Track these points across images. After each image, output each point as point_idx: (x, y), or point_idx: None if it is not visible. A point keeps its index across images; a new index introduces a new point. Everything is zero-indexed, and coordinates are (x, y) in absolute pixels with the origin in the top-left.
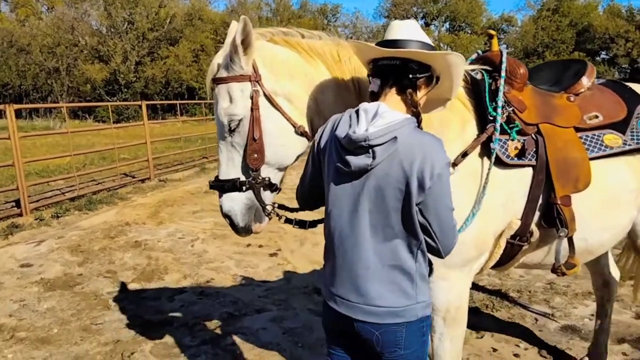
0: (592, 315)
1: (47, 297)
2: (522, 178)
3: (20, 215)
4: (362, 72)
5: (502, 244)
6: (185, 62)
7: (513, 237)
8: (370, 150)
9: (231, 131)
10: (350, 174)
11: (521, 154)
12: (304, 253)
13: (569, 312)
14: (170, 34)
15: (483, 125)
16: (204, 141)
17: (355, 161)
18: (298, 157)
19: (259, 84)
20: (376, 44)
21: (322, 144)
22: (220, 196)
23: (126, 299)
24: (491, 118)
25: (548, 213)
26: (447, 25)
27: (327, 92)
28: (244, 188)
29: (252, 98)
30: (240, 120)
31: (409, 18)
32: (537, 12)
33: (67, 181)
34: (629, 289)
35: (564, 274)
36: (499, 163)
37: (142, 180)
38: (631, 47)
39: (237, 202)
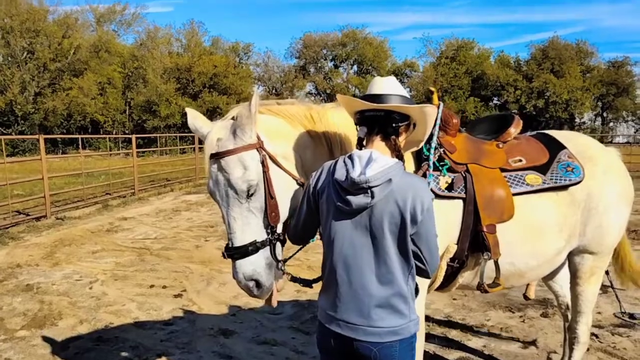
0: (485, 346)
1: None
2: (455, 208)
3: None
4: (330, 129)
5: (443, 266)
6: (90, 94)
7: (452, 260)
8: (369, 191)
9: (249, 197)
10: (351, 212)
11: (450, 187)
12: (211, 293)
13: (464, 345)
14: (74, 65)
15: (420, 163)
16: (107, 177)
17: (356, 200)
18: None
19: (264, 149)
20: (362, 97)
21: (319, 187)
22: (236, 262)
23: (14, 348)
24: (425, 157)
25: (475, 239)
26: (355, 67)
27: (307, 150)
28: (266, 244)
29: (262, 162)
30: (256, 184)
31: (319, 60)
32: (436, 59)
33: None
34: (517, 321)
35: (486, 292)
36: (435, 195)
37: (37, 219)
38: (520, 94)
39: (258, 264)
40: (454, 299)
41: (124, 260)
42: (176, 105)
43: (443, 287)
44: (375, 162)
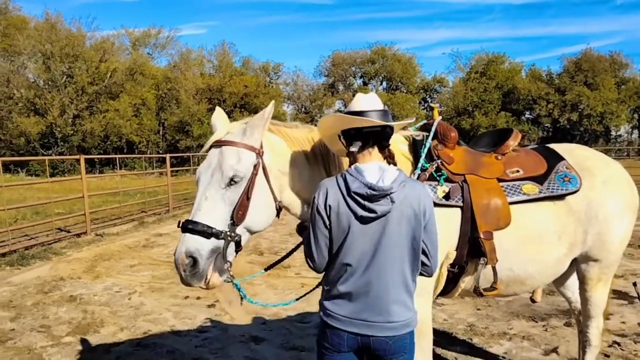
0: (506, 353)
1: None
2: (453, 217)
3: None
4: (326, 148)
5: (444, 272)
6: (125, 116)
7: (452, 266)
8: (389, 197)
9: (229, 185)
10: (374, 219)
11: (447, 196)
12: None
13: (486, 351)
14: (110, 88)
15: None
16: (142, 195)
17: (380, 208)
18: (264, 228)
19: (261, 157)
20: (348, 113)
21: (329, 202)
22: (185, 234)
23: (61, 352)
24: (423, 169)
25: (474, 245)
26: (384, 84)
27: (304, 170)
28: (220, 236)
29: (255, 166)
30: (240, 179)
31: (348, 77)
32: (466, 74)
33: None
34: (539, 329)
35: (482, 295)
36: (433, 204)
37: (78, 235)
38: (552, 108)
39: (204, 247)
40: (478, 309)
41: (160, 273)
42: (208, 125)
43: (446, 292)
44: (387, 172)
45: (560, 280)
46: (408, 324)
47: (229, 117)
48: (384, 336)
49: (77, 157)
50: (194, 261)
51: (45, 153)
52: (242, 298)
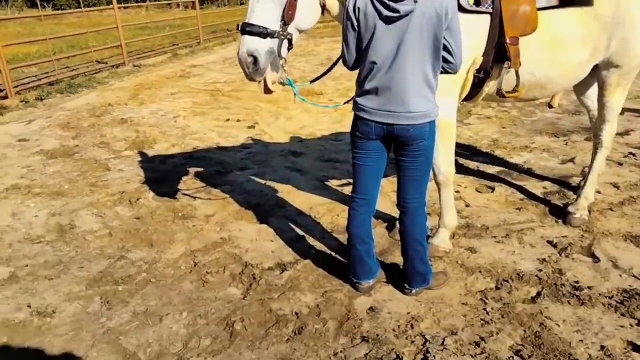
0: (525, 162)
1: (50, 163)
2: (482, 23)
3: (6, 97)
4: None
5: (470, 76)
6: None
7: (478, 71)
8: None
9: None
10: (397, 18)
11: (478, 2)
12: (279, 125)
13: (506, 161)
14: None
15: None
16: (172, 28)
17: (403, 8)
18: (311, 27)
19: None
20: None
21: (359, 5)
22: (244, 36)
23: (123, 162)
24: None
25: (500, 51)
26: None
27: None
28: (274, 35)
29: None
30: None
31: None
32: None
33: (40, 68)
34: (560, 144)
35: (504, 96)
36: (463, 10)
37: (116, 66)
38: None
39: (262, 46)
40: (503, 127)
41: (199, 100)
42: None
43: (471, 97)
44: None
45: (581, 90)
46: (427, 115)
47: None
48: (405, 124)
49: None
50: (255, 59)
51: None
52: (294, 95)
